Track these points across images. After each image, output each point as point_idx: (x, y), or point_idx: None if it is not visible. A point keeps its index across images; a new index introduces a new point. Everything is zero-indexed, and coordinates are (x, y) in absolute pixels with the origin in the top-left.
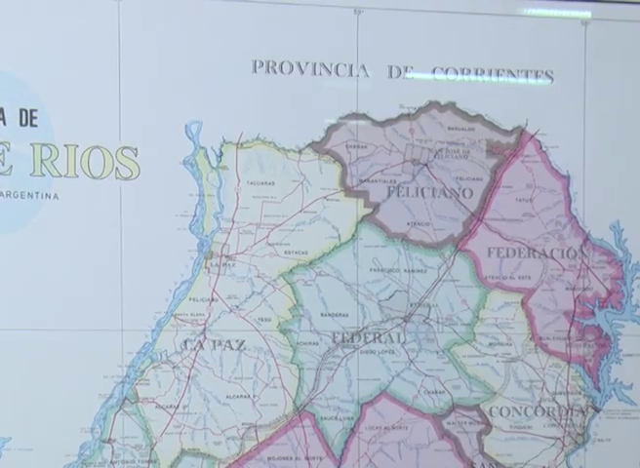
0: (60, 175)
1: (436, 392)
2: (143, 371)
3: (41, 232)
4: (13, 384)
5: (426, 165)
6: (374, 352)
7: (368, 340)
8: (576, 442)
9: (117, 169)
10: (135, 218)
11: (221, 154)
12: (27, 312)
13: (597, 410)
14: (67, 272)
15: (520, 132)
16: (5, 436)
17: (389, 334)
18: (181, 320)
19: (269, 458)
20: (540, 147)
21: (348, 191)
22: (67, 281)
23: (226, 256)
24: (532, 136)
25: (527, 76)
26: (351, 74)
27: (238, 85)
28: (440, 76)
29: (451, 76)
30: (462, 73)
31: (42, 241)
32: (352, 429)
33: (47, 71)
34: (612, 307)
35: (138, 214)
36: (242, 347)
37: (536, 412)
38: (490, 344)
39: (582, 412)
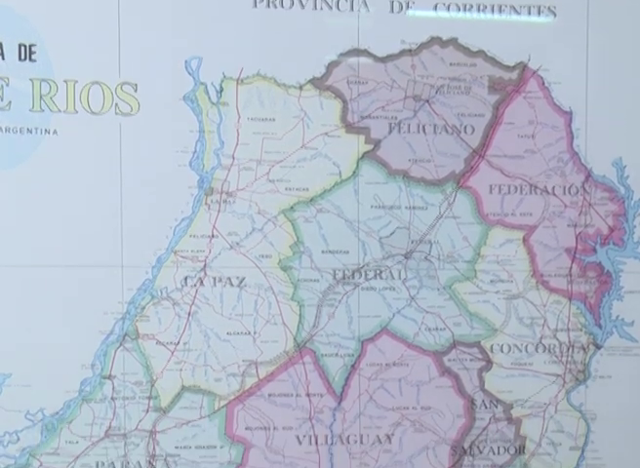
0: (60, 111)
1: (437, 329)
2: (144, 308)
3: (40, 168)
4: (12, 320)
5: (428, 101)
6: (374, 289)
7: (369, 277)
8: (576, 379)
9: (117, 104)
10: (134, 154)
11: (222, 90)
12: (27, 248)
13: (598, 347)
14: (67, 208)
15: (522, 68)
16: (5, 372)
17: (390, 271)
18: (182, 256)
19: (270, 395)
20: (543, 83)
21: (349, 127)
22: (67, 217)
23: (227, 193)
24: (534, 72)
25: (529, 12)
26: (352, 9)
27: (238, 20)
28: (442, 11)
29: (453, 12)
30: (465, 9)
31: (41, 177)
32: (353, 366)
33: (46, 6)
34: (613, 244)
35: (137, 150)
36: (242, 284)
37: (536, 349)
38: (491, 281)
39: (583, 349)
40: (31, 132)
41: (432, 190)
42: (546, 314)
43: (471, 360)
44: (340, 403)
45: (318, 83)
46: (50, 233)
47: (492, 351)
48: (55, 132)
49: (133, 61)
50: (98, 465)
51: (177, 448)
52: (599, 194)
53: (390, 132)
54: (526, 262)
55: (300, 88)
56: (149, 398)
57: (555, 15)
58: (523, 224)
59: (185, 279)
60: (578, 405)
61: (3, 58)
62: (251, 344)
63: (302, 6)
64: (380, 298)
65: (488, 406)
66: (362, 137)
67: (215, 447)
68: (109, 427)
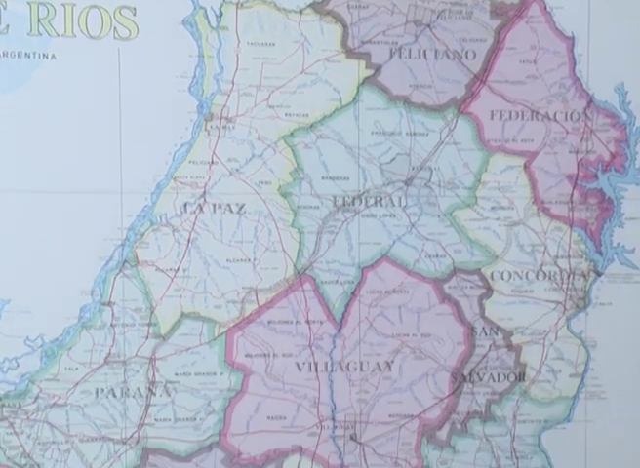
0: (58, 35)
1: (437, 256)
2: (143, 234)
3: (38, 93)
4: (12, 247)
5: (429, 26)
6: (375, 216)
7: (369, 204)
8: (577, 306)
9: (115, 29)
10: (133, 79)
11: (221, 14)
12: (25, 174)
13: (599, 274)
14: (65, 133)
15: None
16: (4, 298)
17: (390, 198)
18: (181, 183)
19: (270, 322)
20: (545, 7)
21: (350, 53)
22: (65, 142)
23: (226, 119)
24: None
25: None
26: None
27: None
28: None
29: None
30: None
31: (39, 102)
32: (353, 293)
33: None
34: (615, 170)
35: (136, 74)
36: (242, 210)
37: (537, 276)
38: (492, 208)
39: (584, 276)
40: (29, 56)
41: (433, 116)
42: (547, 241)
43: (471, 287)
44: (339, 330)
45: (318, 7)
46: (48, 159)
47: (492, 278)
48: (53, 56)
49: None
50: (97, 392)
51: (176, 374)
52: (601, 120)
53: (391, 57)
54: (527, 189)
55: (301, 12)
56: (149, 325)
57: None
58: (524, 151)
59: (185, 205)
60: (578, 332)
61: None
62: (250, 271)
63: None
64: (380, 225)
65: (488, 333)
66: (362, 63)
67: (214, 373)
68: (109, 354)
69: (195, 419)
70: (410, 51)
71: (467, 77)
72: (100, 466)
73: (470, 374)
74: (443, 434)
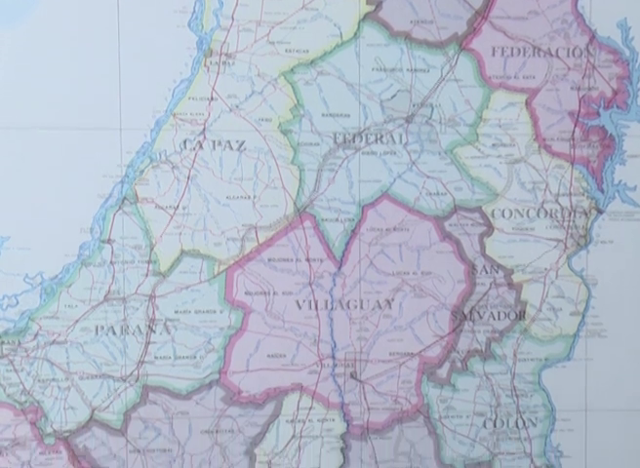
0: None
1: (438, 194)
2: (142, 171)
3: (37, 29)
4: (11, 184)
5: None
6: (375, 153)
7: (369, 141)
8: (578, 243)
9: None
10: (132, 15)
11: None
12: (25, 111)
13: (600, 212)
14: (64, 69)
15: None
16: (3, 235)
17: (391, 135)
18: (181, 119)
19: (270, 260)
20: None
21: None
22: (64, 78)
23: (226, 55)
24: None
25: None
26: None
27: None
28: None
29: None
30: None
31: (38, 38)
32: (353, 231)
33: None
34: (617, 107)
35: (135, 10)
36: (242, 148)
37: (538, 214)
38: (493, 145)
39: (585, 214)
40: None
41: (434, 52)
42: (548, 178)
43: (472, 225)
44: (340, 268)
45: None
46: (47, 95)
47: (493, 216)
48: None
49: None
50: (97, 329)
51: (176, 312)
52: (603, 56)
53: None
54: (528, 126)
55: None
56: (149, 262)
57: None
58: (526, 87)
59: (184, 142)
60: (579, 270)
61: None
62: (250, 209)
63: None
64: (380, 163)
65: (488, 271)
66: None
67: (214, 311)
68: (108, 291)
69: (195, 357)
70: None
71: (469, 13)
72: (100, 404)
73: (471, 312)
74: (443, 372)
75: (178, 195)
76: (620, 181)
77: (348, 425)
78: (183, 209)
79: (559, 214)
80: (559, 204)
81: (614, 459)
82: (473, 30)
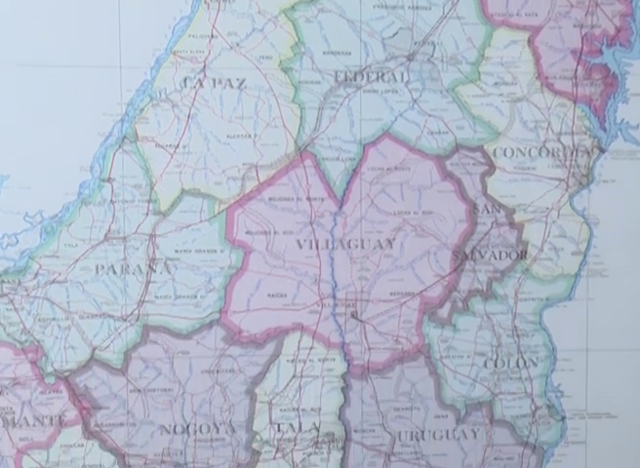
0: None
1: (440, 132)
2: (143, 110)
3: None
4: (11, 121)
5: None
6: (376, 91)
7: (371, 79)
8: (580, 183)
9: None
10: None
11: None
12: (25, 47)
13: (602, 151)
14: (65, 7)
15: None
16: (3, 174)
17: (392, 73)
18: (181, 57)
19: (270, 199)
20: None
21: None
22: (65, 16)
23: None
24: None
25: None
26: None
27: None
28: None
29: None
30: None
31: None
32: (354, 170)
33: None
34: (620, 45)
35: None
36: (242, 86)
37: (540, 153)
38: (495, 84)
39: (587, 153)
40: None
41: None
42: (550, 117)
43: (474, 164)
44: (340, 207)
45: None
46: (47, 33)
47: (495, 155)
48: None
49: None
50: (97, 268)
51: (176, 251)
52: None
53: None
54: (531, 64)
55: None
56: (149, 201)
57: None
58: (528, 25)
59: (185, 80)
60: (580, 209)
61: None
62: (251, 147)
63: None
64: (382, 101)
65: (490, 210)
66: None
67: (215, 251)
68: (109, 230)
69: (196, 297)
70: None
71: None
72: (101, 343)
73: (472, 252)
74: (444, 312)
75: (178, 134)
76: (622, 120)
77: (349, 365)
78: (184, 147)
79: (561, 154)
80: (561, 143)
81: (614, 399)
82: None
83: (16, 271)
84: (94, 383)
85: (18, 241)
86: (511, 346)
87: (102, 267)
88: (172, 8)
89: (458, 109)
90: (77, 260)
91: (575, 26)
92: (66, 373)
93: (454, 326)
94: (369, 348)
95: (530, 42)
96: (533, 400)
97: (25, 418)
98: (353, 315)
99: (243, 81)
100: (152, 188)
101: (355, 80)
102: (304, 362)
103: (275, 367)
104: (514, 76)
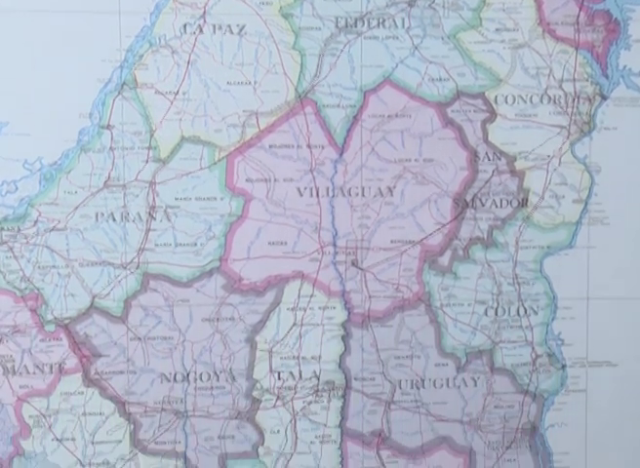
0: None
1: (440, 79)
2: (142, 56)
3: None
4: (9, 68)
5: None
6: (377, 38)
7: (371, 26)
8: (581, 130)
9: None
10: None
11: None
12: None
13: (604, 98)
14: None
15: None
16: (2, 121)
17: (393, 20)
18: (181, 3)
19: (270, 146)
20: None
21: None
22: None
23: None
24: None
25: None
26: None
27: None
28: None
29: None
30: None
31: None
32: (355, 117)
33: None
34: None
35: None
36: (242, 32)
37: (541, 100)
38: (496, 30)
39: (589, 100)
40: None
41: None
42: (552, 64)
43: (475, 111)
44: (341, 155)
45: None
46: None
47: (496, 102)
48: None
49: None
50: (97, 216)
51: (176, 199)
52: None
53: None
54: (532, 10)
55: None
56: (149, 148)
57: None
58: None
59: (184, 26)
60: (582, 157)
61: None
62: (251, 94)
63: None
64: (382, 47)
65: (491, 158)
66: None
67: (215, 198)
68: (108, 178)
69: (196, 244)
70: None
71: None
72: (101, 291)
73: (473, 200)
74: (445, 260)
75: (177, 80)
76: (624, 67)
77: (349, 313)
78: (183, 94)
79: (562, 101)
80: (563, 90)
81: (615, 347)
82: None
83: (15, 218)
84: (94, 331)
85: (17, 188)
86: (512, 294)
87: (102, 215)
88: None
89: (459, 56)
90: (77, 208)
91: None
92: (66, 321)
93: (454, 274)
94: (369, 296)
95: None
96: (533, 348)
97: (25, 366)
98: (354, 263)
99: (243, 27)
100: (152, 135)
101: (356, 26)
102: (305, 310)
103: (275, 315)
104: (516, 22)
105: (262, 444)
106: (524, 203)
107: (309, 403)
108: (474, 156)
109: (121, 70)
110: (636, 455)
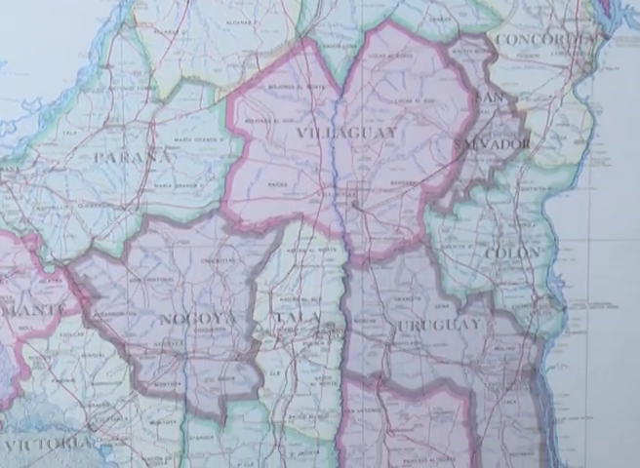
0: None
1: (442, 19)
2: None
3: None
4: (7, 7)
5: None
6: None
7: None
8: (583, 70)
9: None
10: None
11: None
12: None
13: (606, 38)
14: None
15: None
16: (1, 60)
17: None
18: None
19: (270, 87)
20: None
21: None
22: None
23: None
24: None
25: None
26: None
27: None
28: None
29: None
30: None
31: None
32: (355, 57)
33: None
34: None
35: None
36: None
37: (543, 40)
38: None
39: (591, 40)
40: None
41: None
42: (554, 3)
43: (476, 51)
44: (341, 95)
45: None
46: None
47: (497, 42)
48: None
49: None
50: (96, 156)
51: (176, 140)
52: None
53: None
54: None
55: None
56: (148, 88)
57: None
58: None
59: None
60: (584, 97)
61: None
62: (251, 34)
63: None
64: None
65: (492, 99)
66: None
67: (215, 139)
68: (108, 118)
69: (195, 186)
70: None
71: None
72: (100, 232)
73: (474, 141)
74: (445, 201)
75: (177, 19)
76: (627, 6)
77: (350, 255)
78: (183, 34)
79: (565, 40)
80: (565, 29)
81: (615, 289)
82: None
83: (14, 159)
84: (93, 272)
85: (16, 128)
86: (513, 236)
87: (102, 155)
88: None
89: None
90: (76, 148)
91: None
92: (66, 262)
93: (455, 215)
94: (369, 238)
95: None
96: (534, 290)
97: (25, 307)
98: (354, 204)
99: None
100: (151, 75)
101: None
102: (305, 252)
103: (275, 256)
104: None
105: (262, 385)
106: (525, 144)
107: (309, 344)
108: (475, 97)
109: (120, 9)
110: (637, 396)
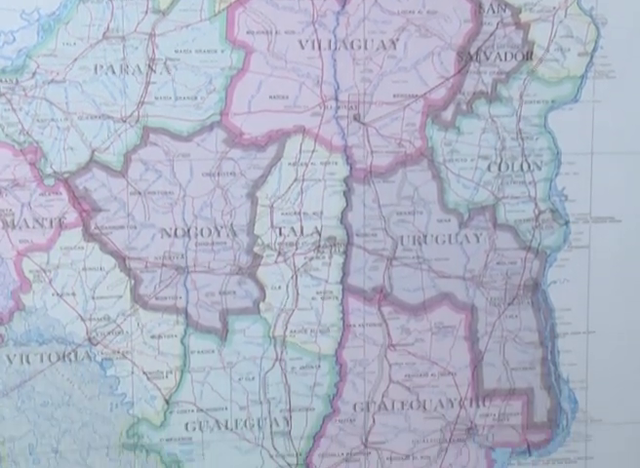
0: None
1: None
2: None
3: None
4: None
5: None
6: None
7: None
8: None
9: None
10: None
11: None
12: None
13: None
14: None
15: None
16: None
17: None
18: None
19: None
20: None
21: None
22: None
23: None
24: None
25: None
26: None
27: None
28: None
29: None
30: None
31: None
32: None
33: None
34: None
35: None
36: None
37: None
38: None
39: None
40: None
41: None
42: None
43: None
44: (343, 6)
45: None
46: None
47: None
48: None
49: None
50: (96, 68)
51: (176, 51)
52: None
53: None
54: None
55: None
56: None
57: None
58: None
59: None
60: (588, 9)
61: None
62: None
63: None
64: None
65: (496, 10)
66: None
67: (215, 51)
68: (107, 29)
69: (196, 98)
70: None
71: None
72: (100, 145)
73: (477, 53)
74: (448, 114)
75: None
76: None
77: (351, 168)
78: None
79: None
80: None
81: (619, 203)
82: None
83: (13, 70)
84: (93, 185)
85: (15, 39)
86: (515, 149)
87: (101, 67)
88: None
89: None
90: (76, 60)
91: None
92: (66, 175)
93: (457, 128)
94: (371, 151)
95: None
96: (536, 204)
97: (25, 220)
98: (356, 117)
99: None
100: None
101: None
102: (306, 165)
103: (277, 170)
104: None
105: (264, 300)
106: (529, 56)
107: (311, 259)
108: (478, 8)
109: None
110: (638, 311)
